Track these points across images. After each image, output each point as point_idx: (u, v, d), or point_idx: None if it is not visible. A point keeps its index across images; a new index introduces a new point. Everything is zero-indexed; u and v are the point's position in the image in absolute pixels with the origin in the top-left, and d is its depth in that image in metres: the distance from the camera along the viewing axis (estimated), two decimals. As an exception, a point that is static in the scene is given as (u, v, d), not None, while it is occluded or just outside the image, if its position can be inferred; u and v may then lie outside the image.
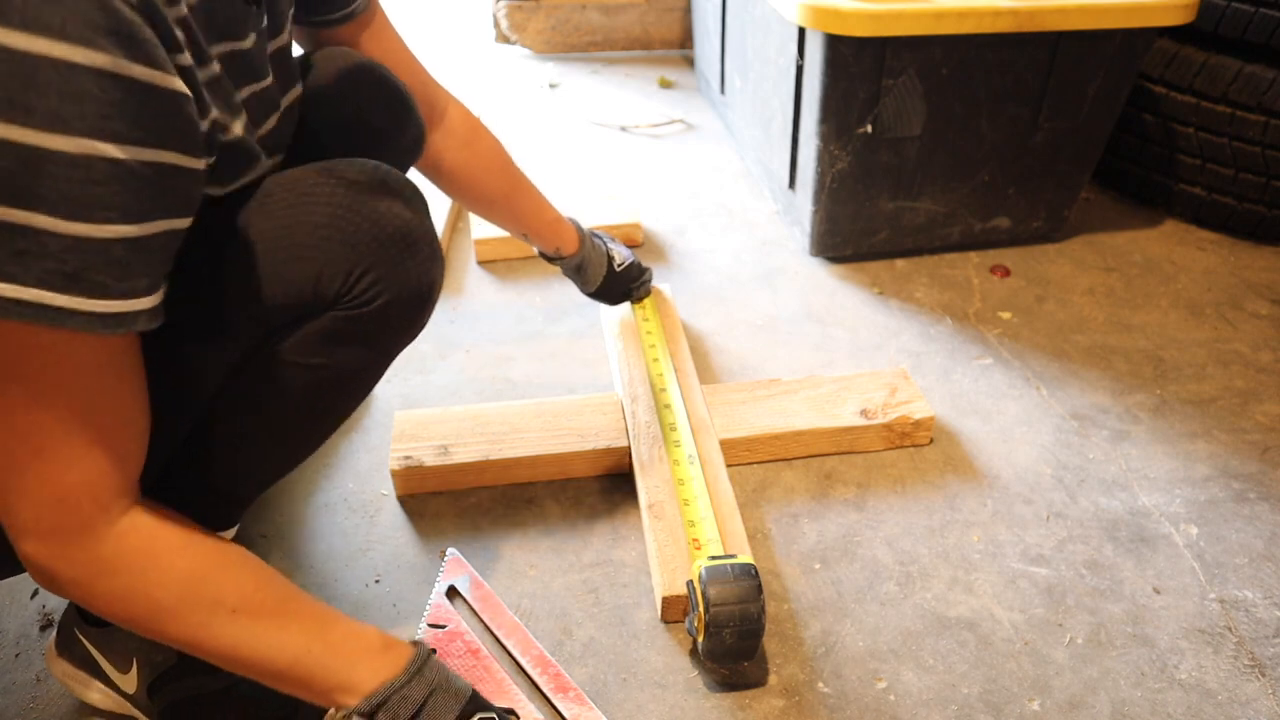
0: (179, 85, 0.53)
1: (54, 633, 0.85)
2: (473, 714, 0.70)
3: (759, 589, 0.83)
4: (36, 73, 0.47)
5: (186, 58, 0.55)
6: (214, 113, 0.61)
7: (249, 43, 0.67)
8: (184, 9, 0.55)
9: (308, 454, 0.83)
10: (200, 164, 0.57)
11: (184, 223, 0.57)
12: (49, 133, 0.48)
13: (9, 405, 0.54)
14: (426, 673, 0.69)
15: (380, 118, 0.87)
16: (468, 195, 1.10)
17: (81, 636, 0.82)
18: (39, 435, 0.55)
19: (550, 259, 1.21)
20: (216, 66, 0.62)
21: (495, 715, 0.71)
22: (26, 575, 0.96)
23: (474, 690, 0.72)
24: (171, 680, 0.81)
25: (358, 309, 0.71)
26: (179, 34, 0.55)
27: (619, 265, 1.25)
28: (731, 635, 0.82)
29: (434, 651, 0.72)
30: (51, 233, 0.49)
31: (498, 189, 1.10)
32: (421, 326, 0.78)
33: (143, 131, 0.51)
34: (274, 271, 0.67)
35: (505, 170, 1.10)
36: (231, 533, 0.85)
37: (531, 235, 1.16)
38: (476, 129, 1.06)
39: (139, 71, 0.50)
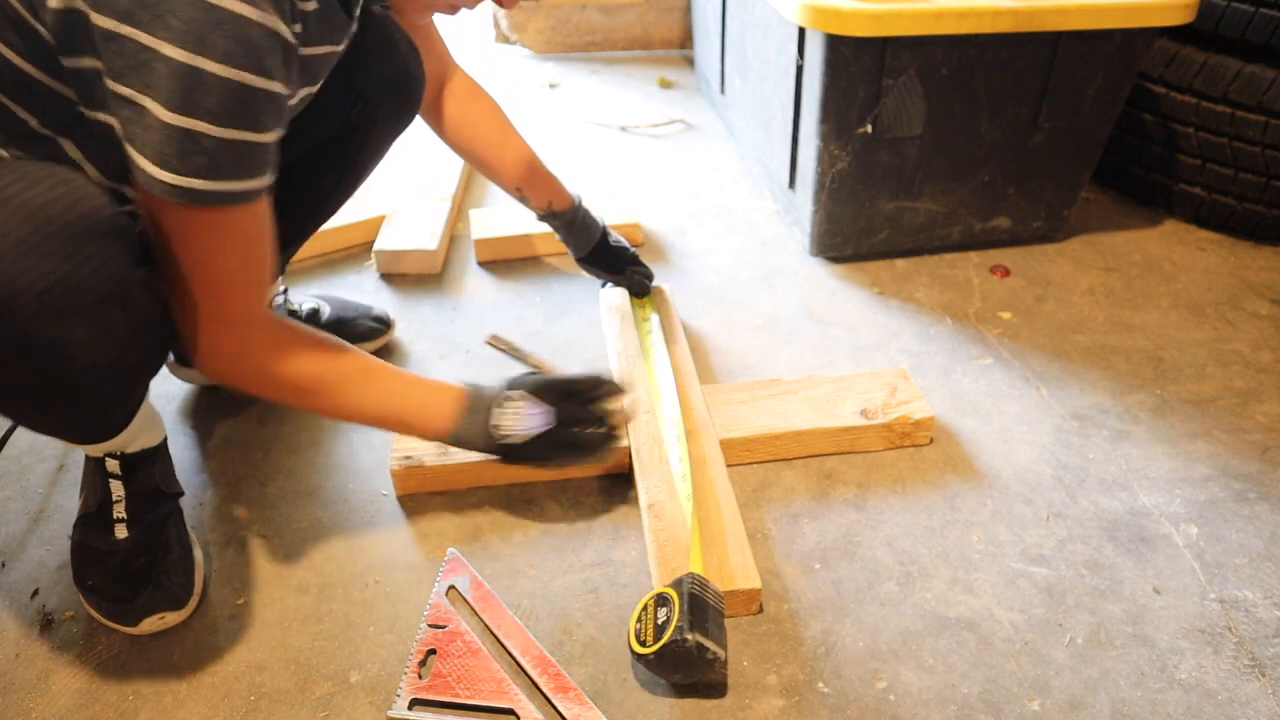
0: (294, 40, 0.73)
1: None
2: (513, 397, 0.94)
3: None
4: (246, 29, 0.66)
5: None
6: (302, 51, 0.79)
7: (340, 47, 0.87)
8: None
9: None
10: (290, 93, 0.76)
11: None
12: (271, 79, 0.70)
13: (196, 262, 0.75)
14: (469, 405, 0.93)
15: (417, 71, 1.10)
16: (464, 143, 1.27)
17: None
18: (215, 280, 0.77)
19: (543, 217, 1.31)
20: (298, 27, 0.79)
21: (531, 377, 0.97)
22: (24, 577, 0.96)
23: (508, 386, 0.96)
24: None
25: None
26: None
27: (614, 242, 1.34)
28: (680, 669, 0.84)
29: (473, 387, 0.95)
30: (260, 143, 0.71)
31: (490, 139, 1.26)
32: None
33: (287, 73, 0.72)
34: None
35: (498, 124, 1.27)
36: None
37: (525, 188, 1.28)
38: (474, 89, 1.26)
39: (287, 32, 0.70)
